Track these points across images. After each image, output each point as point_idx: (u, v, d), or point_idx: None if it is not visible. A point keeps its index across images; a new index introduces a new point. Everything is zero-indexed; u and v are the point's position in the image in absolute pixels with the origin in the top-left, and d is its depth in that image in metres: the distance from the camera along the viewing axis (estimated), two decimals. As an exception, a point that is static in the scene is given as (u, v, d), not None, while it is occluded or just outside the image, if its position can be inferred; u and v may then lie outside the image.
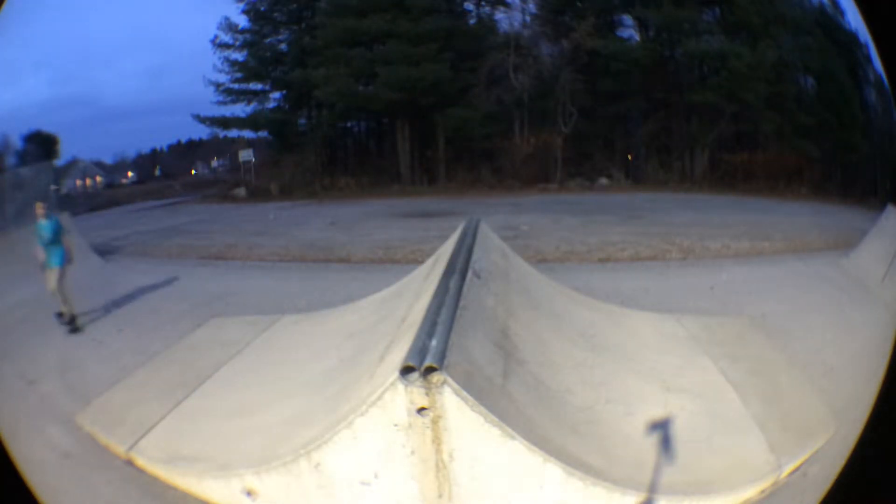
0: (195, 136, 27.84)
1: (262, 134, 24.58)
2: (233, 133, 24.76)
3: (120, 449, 3.61)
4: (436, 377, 2.55)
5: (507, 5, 22.62)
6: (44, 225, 6.27)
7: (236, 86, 23.26)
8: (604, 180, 20.71)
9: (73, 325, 6.11)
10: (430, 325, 2.99)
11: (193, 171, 27.71)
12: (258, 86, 23.64)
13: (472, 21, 23.26)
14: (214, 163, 27.96)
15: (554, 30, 21.63)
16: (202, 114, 22.86)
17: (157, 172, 27.13)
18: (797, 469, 3.13)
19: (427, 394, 2.55)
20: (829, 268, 7.40)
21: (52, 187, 15.45)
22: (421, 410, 2.57)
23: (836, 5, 17.11)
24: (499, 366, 3.18)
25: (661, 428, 3.26)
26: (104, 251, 10.14)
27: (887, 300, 5.61)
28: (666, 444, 3.13)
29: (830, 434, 3.30)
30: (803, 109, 17.84)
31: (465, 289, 3.72)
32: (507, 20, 22.78)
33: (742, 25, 18.86)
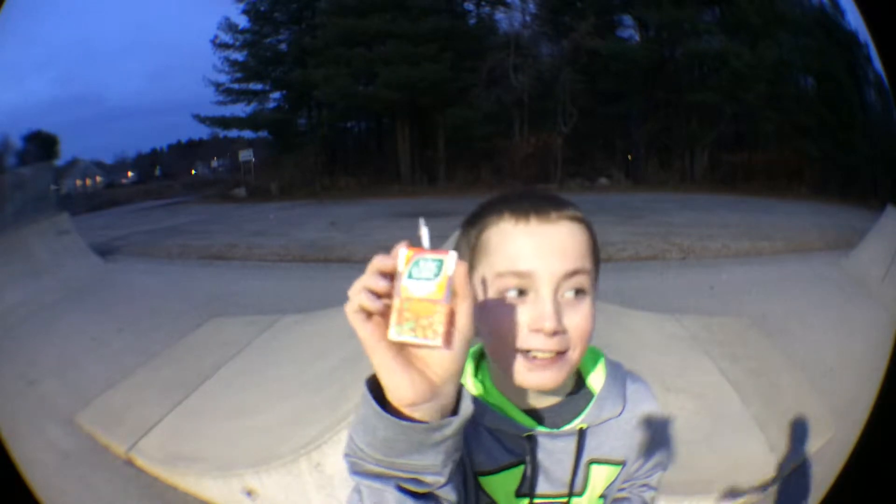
0: (195, 136, 27.87)
1: (263, 134, 24.61)
2: (233, 133, 24.78)
3: (120, 449, 3.61)
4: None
5: (507, 5, 22.64)
6: None
7: (236, 86, 23.28)
8: (604, 180, 20.72)
9: None
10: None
11: (193, 171, 27.71)
12: (258, 86, 23.66)
13: (472, 21, 23.28)
14: (214, 163, 27.96)
15: (554, 30, 21.64)
16: (202, 114, 22.89)
17: (157, 172, 27.13)
18: (797, 469, 3.13)
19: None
20: (828, 268, 7.39)
21: (52, 187, 15.46)
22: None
23: (836, 5, 17.13)
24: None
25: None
26: (104, 251, 10.14)
27: (887, 300, 5.61)
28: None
29: (830, 434, 3.30)
30: (803, 109, 17.85)
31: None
32: (507, 20, 22.81)
33: (742, 25, 18.87)
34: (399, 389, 0.62)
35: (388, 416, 0.63)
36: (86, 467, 3.58)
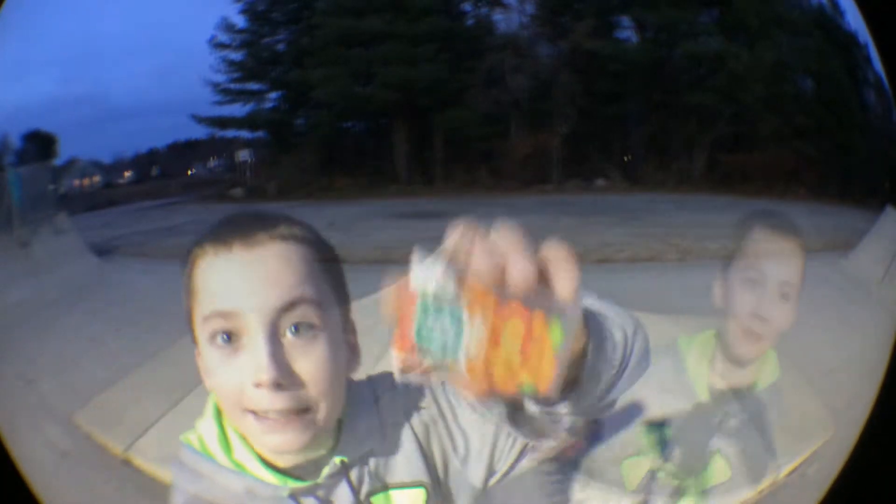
0: (193, 136, 27.80)
1: (260, 134, 24.56)
2: (231, 133, 24.70)
3: (118, 448, 3.61)
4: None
5: (505, 6, 22.63)
6: None
7: (234, 86, 23.19)
8: (601, 181, 20.70)
9: None
10: (429, 325, 2.97)
11: (191, 171, 27.66)
12: (256, 86, 23.61)
13: (470, 21, 23.26)
14: (212, 163, 27.92)
15: (552, 30, 21.64)
16: (200, 114, 22.83)
17: (156, 172, 27.08)
18: (796, 469, 3.13)
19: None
20: (827, 269, 7.39)
21: (51, 187, 15.41)
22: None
23: (835, 6, 17.12)
24: (499, 365, 3.17)
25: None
26: (102, 250, 10.12)
27: (886, 301, 5.62)
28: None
29: (829, 435, 3.30)
30: (802, 110, 17.84)
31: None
32: (506, 21, 22.79)
33: (740, 26, 18.89)
34: None
35: None
36: (84, 466, 3.57)
